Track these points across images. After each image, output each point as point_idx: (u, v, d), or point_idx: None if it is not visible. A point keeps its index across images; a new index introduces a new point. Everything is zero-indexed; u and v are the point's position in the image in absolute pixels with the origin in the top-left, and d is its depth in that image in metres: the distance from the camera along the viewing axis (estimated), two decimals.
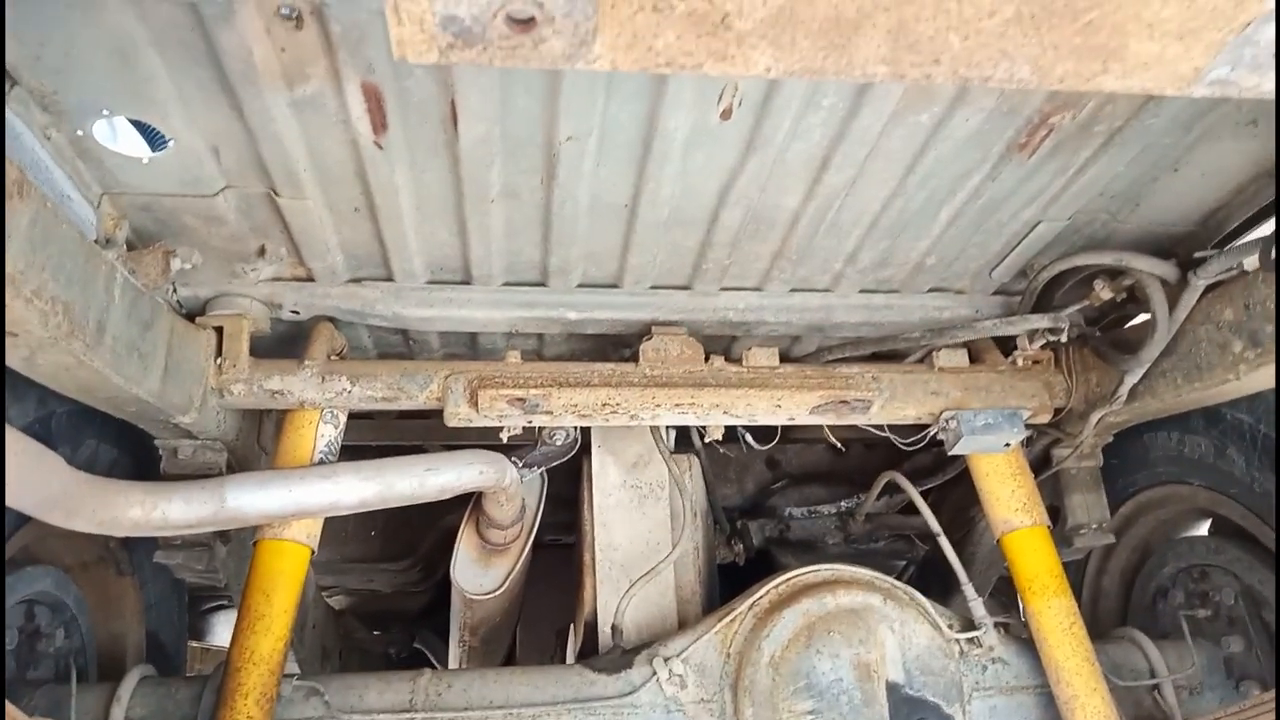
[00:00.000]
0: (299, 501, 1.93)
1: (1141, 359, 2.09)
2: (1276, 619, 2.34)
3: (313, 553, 2.06)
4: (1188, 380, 2.07)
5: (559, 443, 2.37)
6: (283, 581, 1.99)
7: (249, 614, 1.96)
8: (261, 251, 1.98)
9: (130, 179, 1.70)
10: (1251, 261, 1.84)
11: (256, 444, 2.34)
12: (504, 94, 1.53)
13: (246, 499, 1.88)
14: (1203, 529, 2.75)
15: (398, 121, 1.59)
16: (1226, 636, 2.40)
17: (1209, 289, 2.00)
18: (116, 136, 1.63)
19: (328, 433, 2.11)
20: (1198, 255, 1.95)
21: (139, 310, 1.70)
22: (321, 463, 2.07)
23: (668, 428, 2.59)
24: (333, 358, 2.17)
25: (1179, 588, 2.61)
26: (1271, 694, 1.97)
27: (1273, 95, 0.93)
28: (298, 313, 2.13)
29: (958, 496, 2.96)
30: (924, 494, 2.60)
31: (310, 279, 2.09)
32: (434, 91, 1.52)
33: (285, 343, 2.24)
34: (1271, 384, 1.95)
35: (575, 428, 2.34)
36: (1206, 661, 2.38)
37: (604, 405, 2.15)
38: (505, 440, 2.24)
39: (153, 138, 1.63)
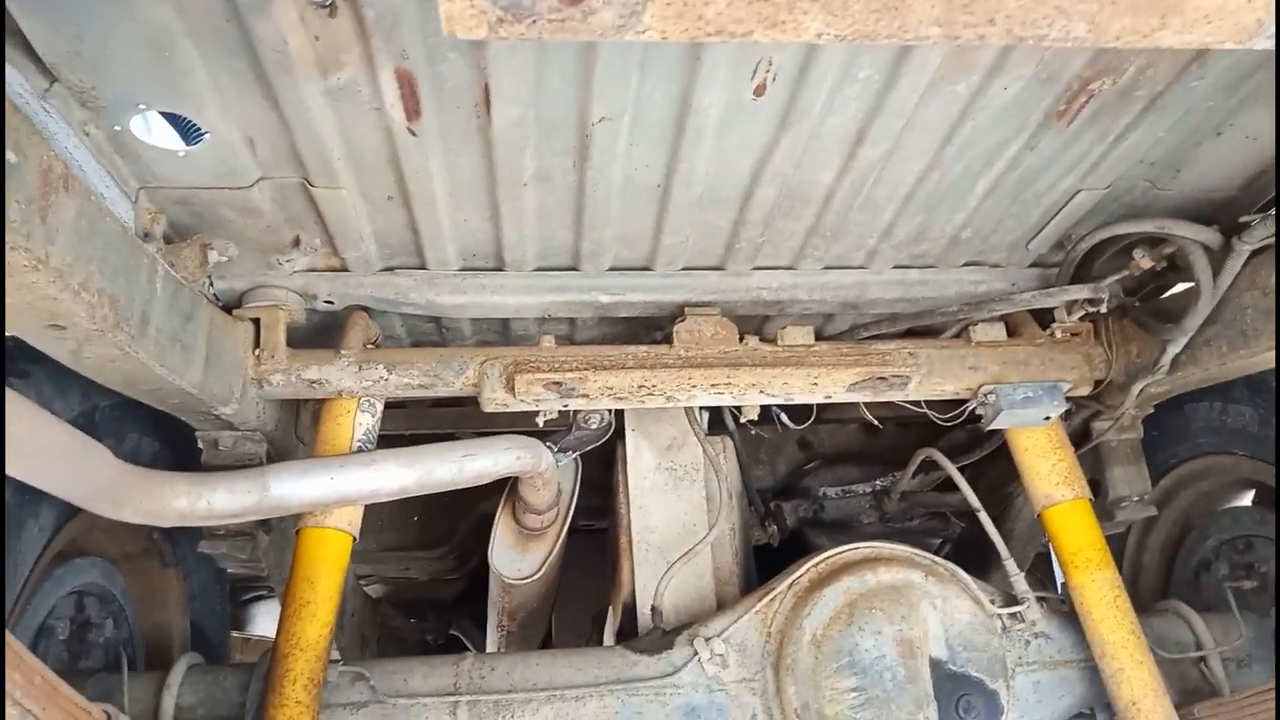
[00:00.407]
0: (340, 489, 1.95)
1: (1185, 327, 2.06)
2: (1276, 600, 2.31)
3: (354, 540, 2.07)
4: (1233, 348, 2.03)
5: (594, 426, 2.37)
6: (326, 569, 2.01)
7: (294, 601, 1.98)
8: (296, 242, 1.98)
9: (167, 173, 1.71)
10: None
11: (295, 434, 2.36)
12: (538, 76, 1.53)
13: (289, 487, 1.90)
14: (1246, 500, 2.71)
15: (431, 107, 1.59)
16: (1274, 608, 2.37)
17: (1253, 254, 1.96)
18: (151, 130, 1.63)
19: (365, 421, 2.12)
20: (1242, 220, 1.92)
21: (180, 302, 1.72)
22: (360, 451, 2.08)
23: (701, 410, 2.58)
24: (368, 346, 2.18)
25: (1223, 560, 2.59)
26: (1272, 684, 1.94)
27: None
28: (332, 303, 2.14)
29: (994, 473, 2.93)
30: (960, 471, 2.58)
31: (344, 269, 2.10)
32: (467, 76, 1.52)
33: (320, 333, 2.25)
34: None
35: (609, 411, 2.33)
36: (1254, 633, 2.35)
37: (640, 387, 2.15)
38: (541, 425, 2.24)
39: (188, 131, 1.64)
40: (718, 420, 2.72)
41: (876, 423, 2.49)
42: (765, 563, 2.81)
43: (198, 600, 2.51)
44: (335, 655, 2.51)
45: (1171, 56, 1.61)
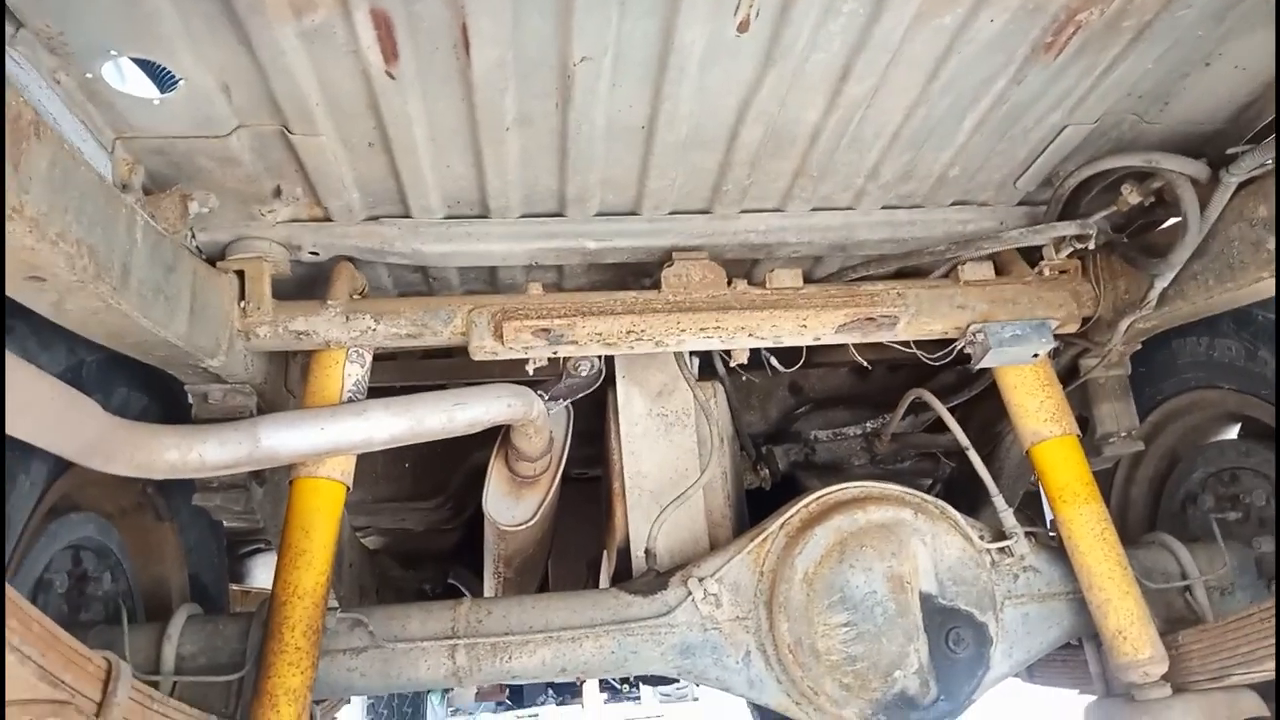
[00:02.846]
0: (332, 439, 1.95)
1: (1172, 261, 2.06)
2: (1277, 530, 2.35)
3: (348, 489, 2.08)
4: (1220, 281, 2.04)
5: (584, 374, 2.37)
6: (320, 518, 2.02)
7: (290, 550, 2.00)
8: (277, 192, 1.96)
9: (142, 122, 1.68)
10: None
11: (284, 388, 2.36)
12: (516, 15, 1.50)
13: (280, 438, 1.90)
14: (1232, 433, 2.74)
15: (409, 49, 1.56)
16: (1258, 537, 2.41)
17: (1241, 187, 1.95)
18: (124, 78, 1.60)
19: (355, 372, 2.12)
20: (1230, 152, 1.91)
21: (161, 254, 1.70)
22: (351, 401, 2.09)
23: (691, 355, 2.58)
24: (354, 297, 2.17)
25: (1209, 492, 2.62)
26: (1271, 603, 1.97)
27: None
28: (317, 253, 2.12)
29: (983, 413, 2.95)
30: (949, 411, 2.59)
31: (328, 219, 2.08)
32: (445, 16, 1.49)
33: (306, 285, 2.24)
34: None
35: (600, 358, 2.33)
36: (1238, 562, 2.40)
37: (628, 333, 2.14)
38: (531, 374, 2.24)
39: (162, 78, 1.61)
40: (708, 366, 2.72)
41: (867, 365, 2.49)
42: (758, 506, 2.83)
43: (194, 553, 2.53)
44: (334, 605, 2.54)
45: None
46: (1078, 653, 2.49)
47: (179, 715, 1.71)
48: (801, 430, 3.25)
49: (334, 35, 1.51)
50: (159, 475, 1.84)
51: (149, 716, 1.60)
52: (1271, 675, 2.03)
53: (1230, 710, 2.15)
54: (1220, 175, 1.94)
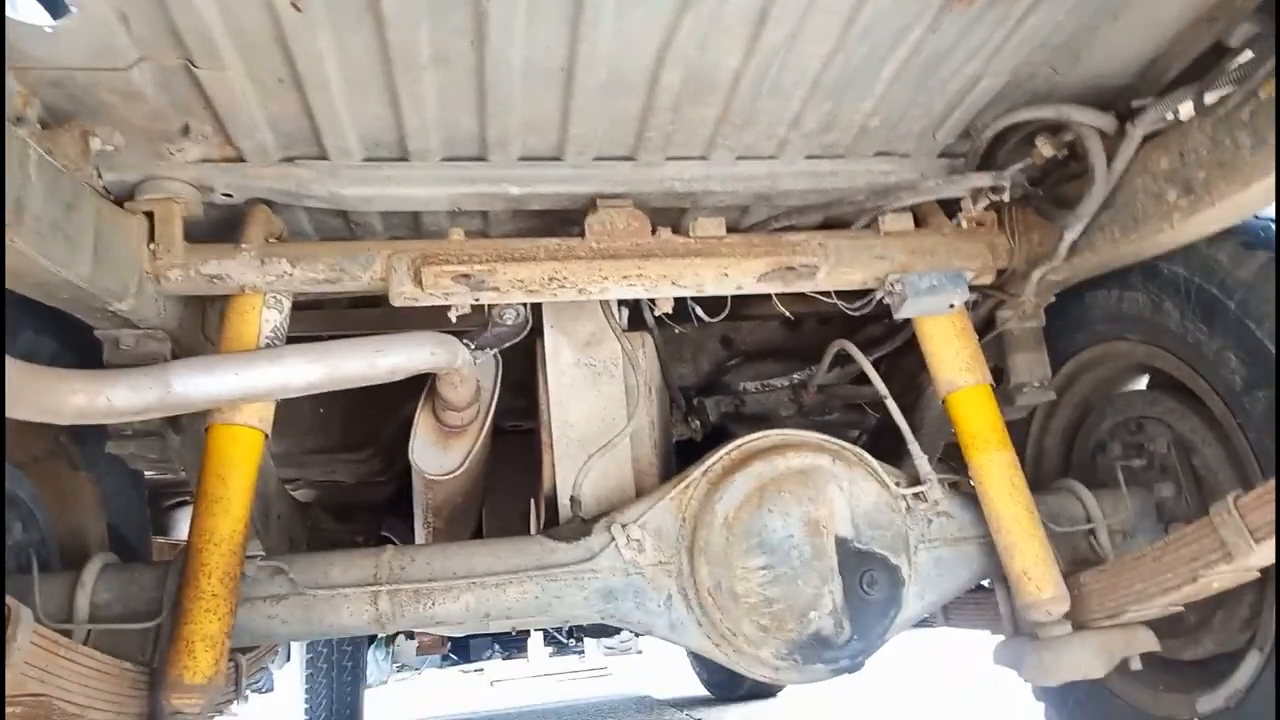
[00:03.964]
0: (246, 384, 1.93)
1: (1080, 213, 2.12)
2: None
3: (266, 436, 2.06)
4: (1125, 233, 2.10)
5: (509, 322, 2.36)
6: (237, 465, 2.00)
7: (206, 497, 1.98)
8: (186, 130, 1.91)
9: (36, 51, 1.62)
10: (1187, 109, 1.85)
11: (202, 334, 2.32)
12: None
13: (193, 383, 1.87)
14: (1142, 385, 2.84)
15: None
16: (1159, 484, 2.52)
17: (1145, 140, 2.01)
18: (16, 4, 1.54)
19: (272, 318, 2.09)
20: (1135, 104, 1.96)
21: (59, 191, 1.65)
22: (269, 347, 2.06)
23: (620, 305, 2.59)
24: (271, 241, 2.13)
25: (1117, 440, 2.72)
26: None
27: None
28: (230, 195, 2.07)
29: (907, 364, 3.02)
30: (875, 363, 2.65)
31: (240, 159, 2.03)
32: None
33: (222, 229, 2.18)
34: (1205, 232, 2.00)
35: (525, 306, 2.33)
36: (1139, 506, 2.51)
37: (550, 280, 2.14)
38: (454, 322, 2.23)
39: (54, 5, 1.55)
40: (638, 317, 2.73)
41: (791, 316, 2.53)
42: (691, 457, 2.86)
43: (113, 502, 2.48)
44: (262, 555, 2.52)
45: None
46: (990, 595, 2.59)
47: (89, 661, 1.69)
48: (732, 382, 3.29)
49: None
50: (66, 420, 1.80)
51: (55, 662, 1.59)
52: (1162, 611, 2.14)
53: (1126, 645, 2.26)
54: (1126, 128, 1.99)
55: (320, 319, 2.84)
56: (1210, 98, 1.86)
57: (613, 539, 2.26)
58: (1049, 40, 1.94)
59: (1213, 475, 2.40)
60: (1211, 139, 1.84)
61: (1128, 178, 2.06)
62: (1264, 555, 1.83)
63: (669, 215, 2.43)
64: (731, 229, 2.31)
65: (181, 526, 4.06)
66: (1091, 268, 2.30)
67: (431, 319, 2.39)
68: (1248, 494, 1.85)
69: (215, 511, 1.98)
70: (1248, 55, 1.81)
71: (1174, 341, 2.38)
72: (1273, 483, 1.76)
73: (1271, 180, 1.74)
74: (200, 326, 2.31)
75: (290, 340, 2.13)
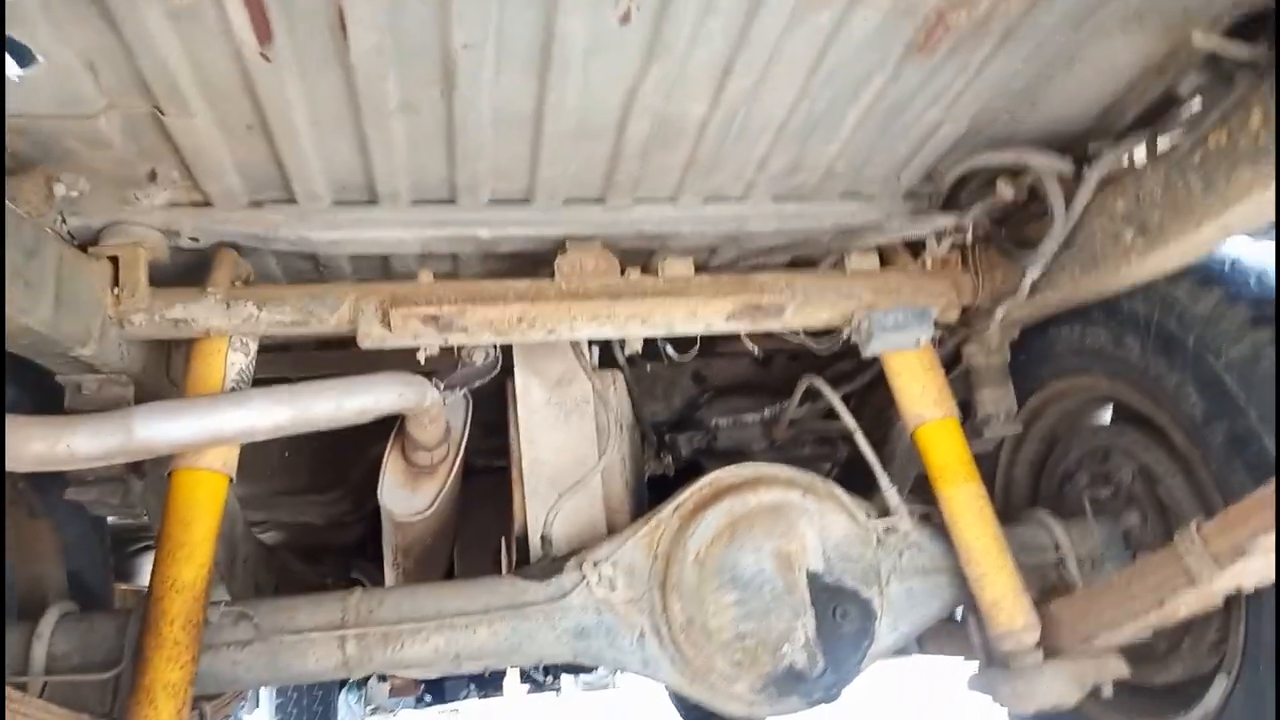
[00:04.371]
0: (210, 428, 1.90)
1: (1041, 253, 2.16)
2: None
3: (231, 480, 2.04)
4: (1084, 271, 2.15)
5: (479, 363, 2.36)
6: (201, 510, 1.97)
7: (169, 543, 1.94)
8: (153, 176, 1.90)
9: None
10: (1141, 154, 1.91)
11: (166, 378, 2.29)
12: (393, 0, 1.48)
13: (156, 428, 1.85)
14: (1106, 417, 2.88)
15: (283, 30, 1.53)
16: (1125, 513, 2.56)
17: (1103, 183, 2.06)
18: None
19: (238, 361, 2.07)
20: (1092, 149, 2.01)
21: (20, 238, 1.64)
22: (234, 390, 2.04)
23: (590, 344, 2.60)
24: (237, 284, 2.12)
25: (1084, 470, 2.75)
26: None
27: None
28: (197, 239, 2.06)
29: (877, 399, 3.04)
30: (845, 399, 2.67)
31: (208, 203, 2.02)
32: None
33: (189, 273, 2.16)
34: (1161, 271, 2.04)
35: (495, 347, 2.33)
36: (1106, 535, 2.53)
37: (520, 320, 2.15)
38: (423, 364, 2.22)
39: (21, 55, 1.54)
40: (609, 356, 2.74)
41: (758, 353, 2.55)
42: (664, 494, 2.87)
43: (74, 549, 2.43)
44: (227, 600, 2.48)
45: None
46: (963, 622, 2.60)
47: (45, 715, 1.65)
48: (704, 418, 3.31)
49: (204, 15, 1.47)
50: (25, 468, 1.77)
51: (11, 717, 1.55)
52: (1132, 637, 2.16)
53: (1098, 672, 2.27)
54: (1084, 172, 2.04)
55: (288, 361, 2.83)
56: (1163, 143, 1.92)
57: (584, 577, 2.25)
58: (1007, 87, 1.98)
59: (1176, 504, 2.43)
60: (1165, 182, 1.89)
61: (1086, 219, 2.11)
62: (1227, 581, 1.86)
63: (638, 256, 2.45)
64: (700, 269, 2.33)
65: (145, 572, 3.97)
66: (1054, 305, 2.35)
67: (401, 360, 2.37)
68: (1210, 521, 1.89)
69: (178, 558, 1.94)
70: (1198, 102, 1.87)
71: (1136, 375, 2.42)
72: (1233, 509, 1.80)
73: (1225, 219, 1.79)
74: (164, 370, 2.29)
75: (257, 383, 2.11)
